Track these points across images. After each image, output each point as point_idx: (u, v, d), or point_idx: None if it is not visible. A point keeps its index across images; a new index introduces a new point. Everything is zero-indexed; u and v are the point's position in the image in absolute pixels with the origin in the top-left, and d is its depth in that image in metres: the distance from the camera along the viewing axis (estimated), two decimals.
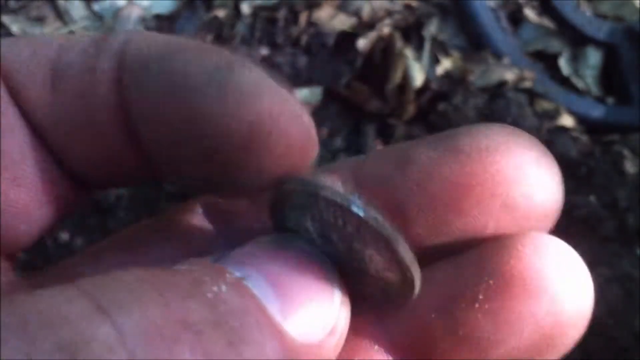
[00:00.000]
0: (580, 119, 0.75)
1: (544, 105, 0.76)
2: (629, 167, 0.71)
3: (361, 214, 0.20)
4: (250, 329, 0.18)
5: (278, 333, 0.19)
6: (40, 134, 0.23)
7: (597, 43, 0.81)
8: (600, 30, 0.82)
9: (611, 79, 0.80)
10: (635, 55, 0.80)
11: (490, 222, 0.22)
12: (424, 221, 0.22)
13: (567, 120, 0.75)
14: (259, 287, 0.19)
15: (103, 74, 0.22)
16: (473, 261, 0.22)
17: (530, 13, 0.84)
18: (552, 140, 0.73)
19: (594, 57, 0.81)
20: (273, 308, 0.19)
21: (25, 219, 0.22)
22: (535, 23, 0.83)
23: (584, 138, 0.74)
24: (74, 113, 0.22)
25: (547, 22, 0.83)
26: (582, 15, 0.83)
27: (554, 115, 0.75)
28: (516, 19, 0.83)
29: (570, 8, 0.83)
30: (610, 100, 0.80)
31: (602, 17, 0.85)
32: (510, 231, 0.22)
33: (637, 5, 0.86)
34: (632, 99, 0.78)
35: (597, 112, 0.76)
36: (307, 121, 0.21)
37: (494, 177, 0.22)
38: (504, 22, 0.82)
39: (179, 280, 0.18)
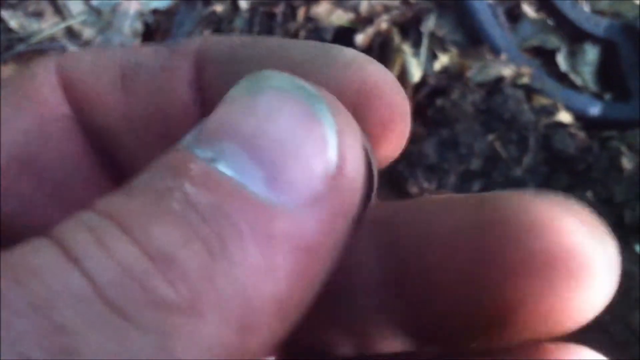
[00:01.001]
0: (578, 115, 0.76)
1: (542, 101, 0.76)
2: (626, 163, 0.71)
3: None
4: (229, 232, 0.16)
5: (266, 214, 0.16)
6: (104, 138, 0.23)
7: (595, 39, 0.81)
8: (598, 26, 0.82)
9: (609, 75, 0.81)
10: (633, 52, 0.80)
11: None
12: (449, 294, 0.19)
13: (564, 116, 0.75)
14: (235, 162, 0.16)
15: (180, 72, 0.21)
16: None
17: (528, 9, 0.84)
18: (549, 136, 0.74)
19: (591, 53, 0.81)
20: (255, 182, 0.16)
21: None
22: (533, 19, 0.83)
23: (582, 134, 0.74)
24: (148, 112, 0.22)
25: (545, 18, 0.83)
26: (580, 12, 0.83)
27: (551, 111, 0.75)
28: (514, 15, 0.83)
29: (568, 4, 0.83)
30: (607, 96, 0.80)
31: (600, 13, 0.85)
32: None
33: (635, 2, 0.86)
34: (629, 95, 0.79)
35: (594, 108, 0.77)
36: (404, 93, 0.20)
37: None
38: (502, 18, 0.82)
39: (139, 204, 0.16)
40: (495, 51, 0.77)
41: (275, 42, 0.21)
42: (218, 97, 0.18)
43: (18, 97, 0.22)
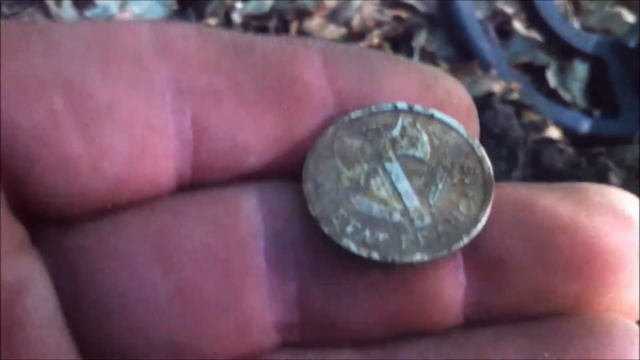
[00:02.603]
0: (567, 131, 0.76)
1: (531, 116, 0.76)
2: (614, 178, 0.71)
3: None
4: None
5: None
6: None
7: (585, 56, 0.82)
8: (587, 43, 0.82)
9: (598, 91, 0.81)
10: (622, 68, 0.81)
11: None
12: (530, 278, 0.21)
13: (553, 132, 0.76)
14: None
15: (311, 63, 0.22)
16: (552, 339, 0.21)
17: (518, 25, 0.84)
18: (538, 151, 0.74)
19: (581, 69, 0.81)
20: None
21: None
22: (524, 35, 0.84)
23: (570, 150, 0.75)
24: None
25: (535, 35, 0.84)
26: (570, 29, 0.84)
27: (540, 126, 0.75)
28: (504, 31, 0.84)
29: (558, 21, 0.83)
30: (596, 112, 0.80)
31: (590, 30, 0.86)
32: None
33: (625, 19, 0.87)
34: (618, 112, 0.79)
35: (583, 124, 0.77)
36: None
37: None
38: (492, 34, 0.82)
39: None
40: (486, 67, 0.78)
41: (389, 57, 0.23)
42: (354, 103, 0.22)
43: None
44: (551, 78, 0.81)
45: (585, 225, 0.21)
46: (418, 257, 0.21)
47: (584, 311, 0.22)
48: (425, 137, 0.23)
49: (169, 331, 0.21)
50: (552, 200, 0.22)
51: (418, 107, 0.23)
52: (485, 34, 0.81)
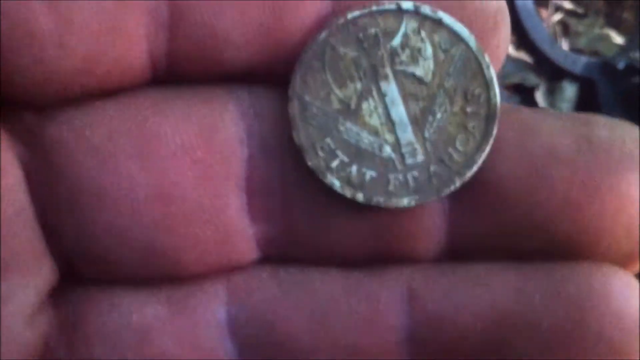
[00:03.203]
0: None
1: None
2: None
3: None
4: None
5: None
6: None
7: (574, 77, 0.83)
8: (576, 64, 0.83)
9: (587, 112, 0.82)
10: (611, 90, 0.82)
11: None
12: (525, 211, 0.20)
13: None
14: None
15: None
16: (545, 282, 0.20)
17: (508, 47, 0.86)
18: None
19: (570, 90, 0.82)
20: None
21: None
22: (514, 57, 0.85)
23: None
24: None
25: (524, 56, 0.85)
26: (559, 50, 0.85)
27: None
28: None
29: (547, 43, 0.84)
30: None
31: (579, 51, 0.87)
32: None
33: (613, 41, 0.88)
34: None
35: None
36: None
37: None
38: None
39: None
40: None
41: None
42: None
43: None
44: (540, 99, 0.81)
45: (586, 161, 0.20)
46: (405, 201, 0.20)
47: (579, 257, 0.20)
48: (429, 50, 0.20)
49: (145, 232, 0.20)
50: (557, 129, 0.20)
51: (425, 8, 0.20)
52: None
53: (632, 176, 0.20)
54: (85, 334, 0.20)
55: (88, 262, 0.20)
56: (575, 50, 0.87)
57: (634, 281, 0.20)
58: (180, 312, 0.21)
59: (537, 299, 0.20)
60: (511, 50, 0.85)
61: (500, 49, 0.21)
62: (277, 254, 0.21)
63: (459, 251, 0.21)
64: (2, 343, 0.18)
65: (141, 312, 0.21)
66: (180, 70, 0.20)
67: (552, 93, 0.82)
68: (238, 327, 0.21)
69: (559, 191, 0.20)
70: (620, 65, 0.83)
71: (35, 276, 0.19)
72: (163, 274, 0.21)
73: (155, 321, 0.21)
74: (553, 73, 0.83)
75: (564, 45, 0.87)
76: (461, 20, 0.20)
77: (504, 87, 0.83)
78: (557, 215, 0.20)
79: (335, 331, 0.21)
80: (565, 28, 0.89)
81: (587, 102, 0.82)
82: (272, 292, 0.21)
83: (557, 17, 0.89)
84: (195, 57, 0.20)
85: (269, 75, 0.20)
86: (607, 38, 0.89)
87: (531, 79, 0.83)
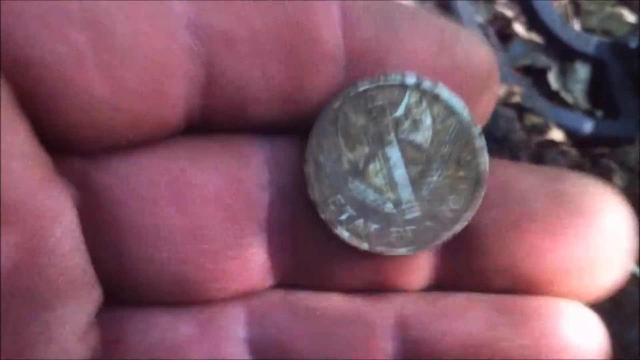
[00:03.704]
0: (569, 133, 0.76)
1: (533, 119, 0.77)
2: (618, 180, 0.72)
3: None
4: None
5: None
6: None
7: (585, 58, 0.82)
8: (588, 45, 0.83)
9: (599, 93, 0.81)
10: (623, 69, 0.81)
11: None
12: (500, 255, 0.24)
13: (556, 135, 0.76)
14: None
15: (325, 10, 0.22)
16: (512, 315, 0.24)
17: (519, 28, 0.85)
18: (541, 154, 0.74)
19: (582, 71, 0.82)
20: None
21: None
22: (524, 38, 0.84)
23: (573, 152, 0.75)
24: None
25: (535, 37, 0.84)
26: (570, 31, 0.84)
27: (543, 129, 0.76)
28: (505, 34, 0.84)
29: (558, 23, 0.84)
30: (598, 114, 0.81)
31: (591, 31, 0.86)
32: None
33: (625, 19, 0.87)
34: (620, 113, 0.79)
35: (585, 126, 0.77)
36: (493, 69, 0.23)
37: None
38: (493, 39, 0.83)
39: None
40: None
41: (411, 11, 0.23)
42: (365, 51, 0.22)
43: None
44: (552, 80, 0.81)
45: (555, 215, 0.23)
46: (403, 251, 0.24)
47: (544, 293, 0.24)
48: (428, 121, 0.23)
49: (179, 267, 0.23)
50: (532, 186, 0.23)
51: (426, 84, 0.23)
52: (486, 38, 0.82)
53: (595, 227, 0.23)
54: (126, 349, 0.23)
55: (128, 288, 0.23)
56: (586, 29, 0.86)
57: (587, 312, 0.24)
58: (207, 332, 0.24)
59: (504, 330, 0.23)
60: (522, 32, 0.85)
61: (489, 106, 0.24)
62: (289, 281, 0.25)
63: (443, 284, 0.24)
64: (61, 357, 0.21)
65: (174, 331, 0.24)
66: (211, 123, 0.23)
67: (564, 74, 0.82)
68: (256, 345, 0.24)
69: (527, 241, 0.23)
70: (633, 44, 0.82)
71: (87, 301, 0.22)
72: (192, 300, 0.24)
73: (186, 339, 0.24)
74: (564, 54, 0.83)
75: (575, 25, 0.86)
76: (456, 83, 0.23)
77: (515, 69, 0.83)
78: (524, 260, 0.23)
79: (336, 352, 0.24)
80: (576, 7, 0.88)
81: (599, 83, 0.82)
82: (284, 315, 0.24)
83: None
84: (224, 113, 0.22)
85: (288, 129, 0.23)
86: (618, 16, 0.88)
87: (542, 60, 0.82)
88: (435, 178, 0.23)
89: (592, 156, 0.75)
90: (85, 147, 0.22)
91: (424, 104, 0.23)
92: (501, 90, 0.77)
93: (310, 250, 0.24)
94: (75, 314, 0.22)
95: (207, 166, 0.23)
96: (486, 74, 0.23)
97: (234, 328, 0.24)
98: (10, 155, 0.19)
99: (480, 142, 0.23)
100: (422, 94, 0.23)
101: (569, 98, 0.80)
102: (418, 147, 0.23)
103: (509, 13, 0.85)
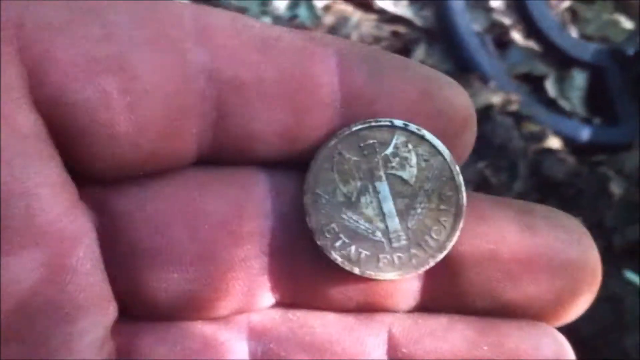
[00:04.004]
0: (567, 140, 0.77)
1: (531, 127, 0.77)
2: (615, 188, 0.72)
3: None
4: None
5: None
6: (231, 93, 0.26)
7: (583, 65, 0.82)
8: (585, 52, 0.83)
9: (597, 100, 0.82)
10: (621, 76, 0.82)
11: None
12: (478, 279, 0.26)
13: (553, 142, 0.76)
14: None
15: (323, 58, 0.25)
16: (492, 337, 0.26)
17: (517, 36, 0.85)
18: (539, 162, 0.75)
19: (580, 78, 0.82)
20: None
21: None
22: (522, 46, 0.84)
23: (571, 159, 0.75)
24: (282, 79, 0.25)
25: (533, 45, 0.84)
26: (568, 38, 0.84)
27: (540, 137, 0.76)
28: (503, 42, 0.85)
29: (556, 31, 0.84)
30: (596, 121, 0.81)
31: (588, 38, 0.87)
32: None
33: (623, 26, 0.88)
34: (618, 120, 0.80)
35: (583, 133, 0.78)
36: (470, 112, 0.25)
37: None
38: (491, 47, 0.83)
39: None
40: (484, 79, 0.78)
41: (399, 60, 0.25)
42: (359, 101, 0.24)
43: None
44: (550, 88, 0.81)
45: (527, 244, 0.25)
46: (391, 275, 0.26)
47: (521, 316, 0.26)
48: (414, 159, 0.26)
49: (188, 286, 0.25)
50: (506, 219, 0.26)
51: (412, 126, 0.25)
52: (484, 46, 0.82)
53: (562, 257, 0.25)
54: None
55: (140, 304, 0.25)
56: (584, 36, 0.86)
57: (559, 336, 0.26)
58: (212, 346, 0.26)
59: (485, 350, 0.26)
60: (519, 39, 0.85)
61: (468, 146, 0.26)
62: (287, 301, 0.27)
63: (427, 306, 0.27)
64: None
65: (182, 344, 0.26)
66: (220, 156, 0.25)
67: (561, 82, 0.82)
68: (256, 358, 0.26)
69: (503, 268, 0.25)
70: (630, 51, 0.82)
71: (104, 315, 0.24)
72: (199, 316, 0.26)
73: (194, 352, 0.26)
74: (562, 61, 0.83)
75: (573, 32, 0.87)
76: (439, 126, 0.25)
77: (512, 76, 0.83)
78: (500, 285, 0.26)
79: None
80: (574, 15, 0.88)
81: (597, 90, 0.82)
82: (283, 331, 0.26)
83: (566, 3, 0.89)
84: (232, 148, 0.25)
85: (288, 163, 0.26)
86: (616, 23, 0.88)
87: (540, 67, 0.82)
88: (419, 210, 0.26)
89: (589, 163, 0.75)
90: (106, 177, 0.24)
91: (411, 144, 0.25)
92: (499, 98, 0.77)
93: (307, 273, 0.26)
94: (93, 327, 0.24)
95: (215, 195, 0.25)
96: (466, 118, 0.25)
97: (236, 343, 0.26)
98: (42, 184, 0.22)
99: (459, 179, 0.26)
100: (408, 135, 0.25)
101: (566, 105, 0.80)
102: (404, 182, 0.26)
103: (506, 21, 0.85)
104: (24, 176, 0.21)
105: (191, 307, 0.25)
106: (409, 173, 0.26)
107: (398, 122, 0.25)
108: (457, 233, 0.25)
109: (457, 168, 0.26)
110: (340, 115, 0.25)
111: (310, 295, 0.27)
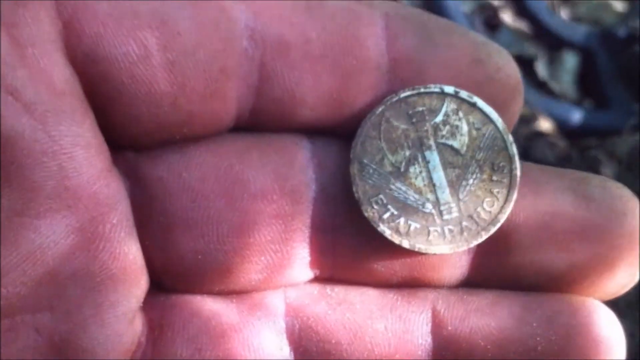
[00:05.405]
0: (558, 124, 0.75)
1: (521, 110, 0.75)
2: (606, 171, 0.71)
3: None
4: None
5: None
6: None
7: (574, 47, 0.81)
8: (576, 34, 0.82)
9: (588, 82, 0.80)
10: (612, 59, 0.80)
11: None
12: (530, 253, 0.25)
13: (544, 125, 0.75)
14: None
15: (371, 21, 0.24)
16: (541, 312, 0.25)
17: (506, 18, 0.84)
18: (529, 145, 0.73)
19: (570, 61, 0.81)
20: None
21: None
22: (512, 28, 0.83)
23: (561, 143, 0.74)
24: (327, 39, 0.24)
25: (523, 27, 0.83)
26: (558, 19, 0.83)
27: (531, 120, 0.75)
28: (492, 24, 0.83)
29: (546, 12, 0.83)
30: (587, 103, 0.80)
31: (579, 20, 0.85)
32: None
33: (614, 8, 0.86)
34: (609, 103, 0.78)
35: (574, 116, 0.76)
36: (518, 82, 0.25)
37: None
38: (480, 29, 0.82)
39: None
40: None
41: (447, 25, 0.25)
42: (407, 65, 0.23)
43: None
44: (540, 70, 0.80)
45: (582, 216, 0.24)
46: (442, 249, 0.25)
47: (569, 291, 0.25)
48: (465, 128, 0.25)
49: (224, 258, 0.24)
50: (560, 189, 0.25)
51: (463, 93, 0.24)
52: (472, 27, 0.80)
53: (618, 228, 0.24)
54: (170, 335, 0.24)
55: (174, 276, 0.24)
56: (575, 18, 0.85)
57: (610, 313, 0.25)
58: (248, 321, 0.25)
59: (534, 326, 0.24)
60: (509, 21, 0.83)
61: (515, 115, 0.26)
62: (326, 275, 0.26)
63: (473, 281, 0.25)
64: (112, 339, 0.22)
65: (217, 319, 0.25)
66: (259, 122, 0.24)
67: (552, 64, 0.81)
68: (293, 335, 0.25)
69: (558, 240, 0.24)
70: (621, 34, 0.81)
71: (137, 287, 0.23)
72: (235, 290, 0.25)
73: (228, 327, 0.25)
74: (552, 43, 0.82)
75: (564, 14, 0.85)
76: (489, 93, 0.24)
77: None
78: (553, 258, 0.25)
79: (371, 345, 0.25)
80: None
81: (587, 72, 0.81)
82: (321, 307, 0.25)
83: None
84: (273, 114, 0.24)
85: (330, 131, 0.25)
86: (607, 5, 0.87)
87: (530, 49, 0.81)
88: (471, 181, 0.25)
89: (580, 147, 0.74)
90: (140, 141, 0.23)
91: (461, 112, 0.24)
92: None
93: (349, 246, 0.25)
94: (125, 299, 0.23)
95: (254, 163, 0.24)
96: (515, 86, 0.25)
97: (273, 318, 0.25)
98: (76, 143, 0.20)
99: (513, 149, 0.25)
100: (459, 102, 0.24)
101: (557, 88, 0.79)
102: (455, 151, 0.25)
103: (495, 2, 0.84)
104: (58, 134, 0.20)
105: (227, 281, 0.24)
106: (460, 142, 0.25)
107: (449, 89, 0.24)
108: (511, 205, 0.24)
109: (510, 137, 0.25)
110: (388, 80, 0.24)
111: (352, 269, 0.25)
